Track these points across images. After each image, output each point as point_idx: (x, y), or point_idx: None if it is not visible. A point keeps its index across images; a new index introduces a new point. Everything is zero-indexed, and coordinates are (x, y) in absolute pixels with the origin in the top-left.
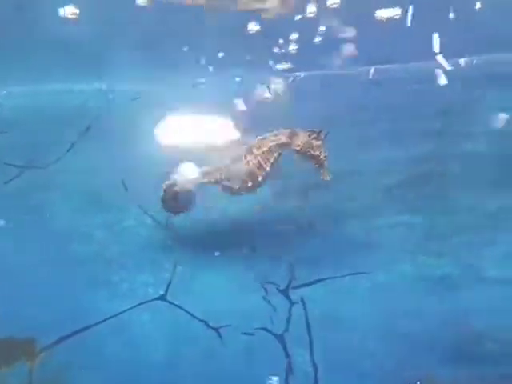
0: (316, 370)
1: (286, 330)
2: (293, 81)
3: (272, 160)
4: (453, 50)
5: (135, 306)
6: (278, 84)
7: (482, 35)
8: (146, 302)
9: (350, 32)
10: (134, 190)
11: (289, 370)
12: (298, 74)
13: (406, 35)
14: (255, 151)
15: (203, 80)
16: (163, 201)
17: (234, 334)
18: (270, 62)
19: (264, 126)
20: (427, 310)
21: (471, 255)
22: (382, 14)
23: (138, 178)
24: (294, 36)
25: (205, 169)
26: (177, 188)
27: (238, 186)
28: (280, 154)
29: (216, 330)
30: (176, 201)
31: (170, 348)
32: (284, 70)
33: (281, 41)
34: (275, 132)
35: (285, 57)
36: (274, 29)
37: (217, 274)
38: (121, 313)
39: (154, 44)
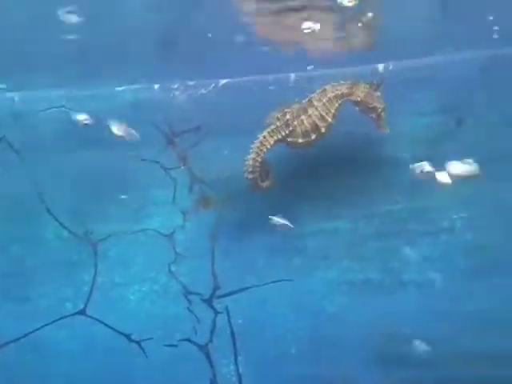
0: (240, 379)
1: (210, 340)
2: (214, 87)
3: (333, 110)
4: (372, 55)
5: (53, 322)
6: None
7: (395, 40)
8: (64, 318)
9: None
10: (50, 202)
11: (213, 381)
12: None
13: None
14: (316, 103)
15: None
16: (254, 185)
17: (157, 346)
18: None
19: None
20: (350, 314)
21: (392, 259)
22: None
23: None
24: None
25: (270, 128)
26: (258, 163)
27: (302, 140)
28: (341, 105)
29: (138, 343)
30: (263, 179)
31: (90, 364)
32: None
33: None
34: (334, 83)
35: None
36: None
37: (139, 285)
38: (37, 329)
39: None
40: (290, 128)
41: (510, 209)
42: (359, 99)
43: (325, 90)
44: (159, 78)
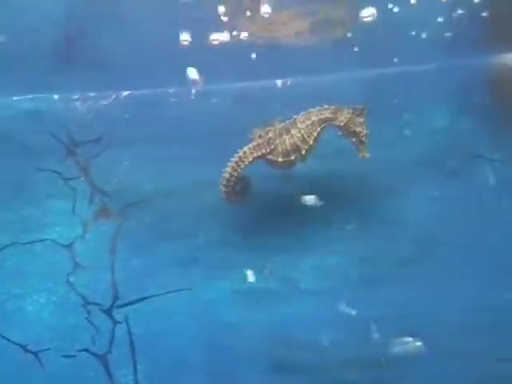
0: None
1: (109, 350)
2: (115, 99)
3: (315, 134)
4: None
5: None
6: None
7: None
8: None
9: None
10: None
11: None
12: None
13: None
14: (299, 125)
15: None
16: (228, 198)
17: (54, 357)
18: None
19: None
20: (248, 323)
21: (289, 268)
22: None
23: None
24: None
25: (251, 144)
26: (234, 178)
27: (281, 160)
28: (323, 129)
29: (34, 353)
30: (238, 193)
31: None
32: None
33: None
34: (319, 108)
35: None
36: None
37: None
38: None
39: None
40: (272, 146)
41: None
42: (342, 124)
43: (310, 112)
44: (59, 88)
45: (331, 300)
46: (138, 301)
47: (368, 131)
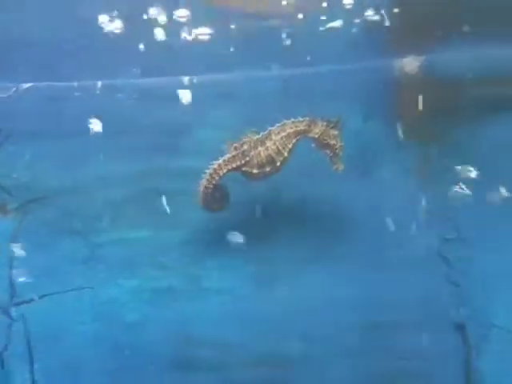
0: None
1: (5, 348)
2: (15, 91)
3: (290, 146)
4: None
5: None
6: None
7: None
8: None
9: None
10: None
11: None
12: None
13: None
14: (274, 137)
15: None
16: (205, 204)
17: None
18: None
19: None
20: (151, 321)
21: (193, 267)
22: None
23: None
24: None
25: (226, 156)
26: (210, 190)
27: (256, 171)
28: (298, 141)
29: None
30: (215, 199)
31: None
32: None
33: None
34: (293, 120)
35: None
36: None
37: None
38: None
39: None
40: (247, 158)
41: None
42: (316, 136)
43: (284, 124)
44: None
45: (234, 298)
46: (36, 299)
47: (343, 144)
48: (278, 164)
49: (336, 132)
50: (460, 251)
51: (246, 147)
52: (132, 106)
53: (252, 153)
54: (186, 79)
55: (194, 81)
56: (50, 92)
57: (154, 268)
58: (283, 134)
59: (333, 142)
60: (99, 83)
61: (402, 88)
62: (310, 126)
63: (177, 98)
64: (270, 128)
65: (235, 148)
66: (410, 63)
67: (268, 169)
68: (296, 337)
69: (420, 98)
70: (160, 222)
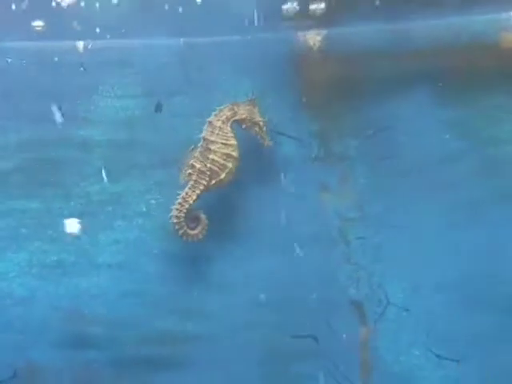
0: None
1: None
2: None
3: (231, 134)
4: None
5: None
6: None
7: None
8: None
9: None
10: None
11: None
12: None
13: None
14: (211, 138)
15: None
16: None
17: None
18: None
19: None
20: (41, 297)
21: (85, 241)
22: None
23: None
24: None
25: (189, 184)
26: (182, 219)
27: (224, 175)
28: (232, 126)
29: None
30: (193, 229)
31: None
32: None
33: None
34: (215, 112)
35: None
36: None
37: None
38: None
39: None
40: (208, 172)
41: None
42: (244, 117)
43: (210, 122)
44: None
45: (127, 274)
46: None
47: (266, 119)
48: (235, 154)
49: (257, 108)
50: (361, 230)
51: (198, 165)
52: (23, 71)
53: (208, 165)
54: (80, 44)
55: (90, 46)
56: None
57: (44, 241)
58: (216, 130)
59: (258, 118)
60: None
61: (303, 62)
62: (233, 110)
63: (72, 63)
64: (200, 136)
65: (190, 173)
66: (313, 37)
67: (231, 165)
68: (191, 314)
69: (322, 72)
70: (50, 194)
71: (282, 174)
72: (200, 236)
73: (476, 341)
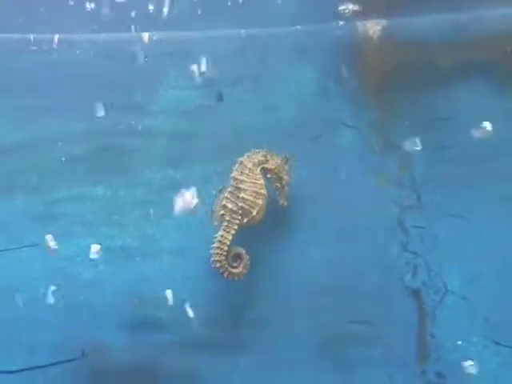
0: None
1: None
2: None
3: (259, 175)
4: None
5: None
6: None
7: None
8: None
9: None
10: None
11: None
12: None
13: None
14: (241, 177)
15: None
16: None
17: None
18: None
19: None
20: (107, 281)
21: (149, 227)
22: None
23: None
24: None
25: (223, 226)
26: (223, 262)
27: (255, 213)
28: (261, 171)
29: None
30: (236, 267)
31: None
32: None
33: None
34: (248, 153)
35: None
36: None
37: None
38: None
39: None
40: (240, 211)
41: None
42: (274, 167)
43: (241, 162)
44: None
45: (191, 259)
46: None
47: (291, 180)
48: (264, 192)
49: (287, 167)
50: (419, 219)
51: (230, 206)
52: (89, 62)
53: (239, 204)
54: (145, 36)
55: (154, 38)
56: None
57: (110, 226)
58: (246, 170)
59: (285, 176)
60: (56, 37)
61: (363, 52)
62: (265, 157)
63: (135, 55)
64: (231, 175)
65: (222, 215)
66: (373, 26)
67: (261, 202)
68: (252, 299)
69: (382, 62)
70: (116, 180)
71: (341, 164)
72: (244, 271)
73: None
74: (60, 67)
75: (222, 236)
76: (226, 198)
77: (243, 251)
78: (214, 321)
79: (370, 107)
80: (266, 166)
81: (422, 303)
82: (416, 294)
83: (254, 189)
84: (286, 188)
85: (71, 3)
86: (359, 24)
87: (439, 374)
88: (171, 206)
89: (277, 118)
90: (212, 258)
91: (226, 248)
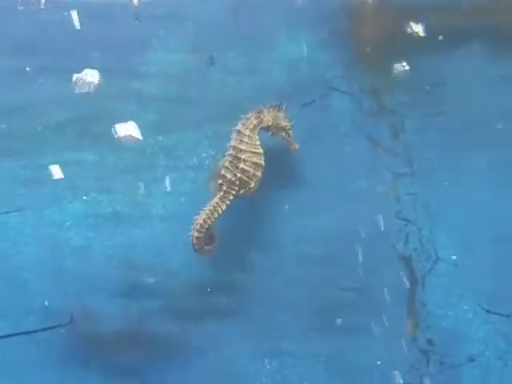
0: None
1: None
2: None
3: (257, 142)
4: None
5: None
6: None
7: None
8: None
9: None
10: None
11: None
12: None
13: None
14: (241, 146)
15: None
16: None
17: None
18: None
19: None
20: (96, 247)
21: (139, 193)
22: None
23: None
24: None
25: (219, 195)
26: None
27: (252, 184)
28: (258, 134)
29: None
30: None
31: None
32: None
33: None
34: (241, 122)
35: None
36: None
37: None
38: None
39: None
40: (237, 182)
41: None
42: (270, 123)
43: (238, 131)
44: None
45: (181, 226)
46: None
47: (292, 122)
48: (263, 163)
49: (282, 113)
50: (412, 186)
51: (229, 176)
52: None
53: (238, 174)
54: None
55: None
56: None
57: (99, 192)
58: (245, 138)
59: (284, 123)
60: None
61: (358, 16)
62: (259, 117)
63: (126, 16)
64: (228, 145)
65: (221, 184)
66: None
67: (259, 173)
68: (241, 266)
69: (376, 27)
70: (104, 146)
71: (334, 129)
72: (209, 254)
73: None
74: (48, 29)
75: (216, 204)
76: (226, 167)
77: (217, 235)
78: (204, 287)
79: (364, 72)
80: (263, 125)
81: (413, 270)
82: (407, 261)
83: (254, 159)
84: (290, 132)
85: None
86: None
87: (430, 341)
88: (162, 171)
89: (270, 82)
90: (197, 221)
91: (216, 216)
